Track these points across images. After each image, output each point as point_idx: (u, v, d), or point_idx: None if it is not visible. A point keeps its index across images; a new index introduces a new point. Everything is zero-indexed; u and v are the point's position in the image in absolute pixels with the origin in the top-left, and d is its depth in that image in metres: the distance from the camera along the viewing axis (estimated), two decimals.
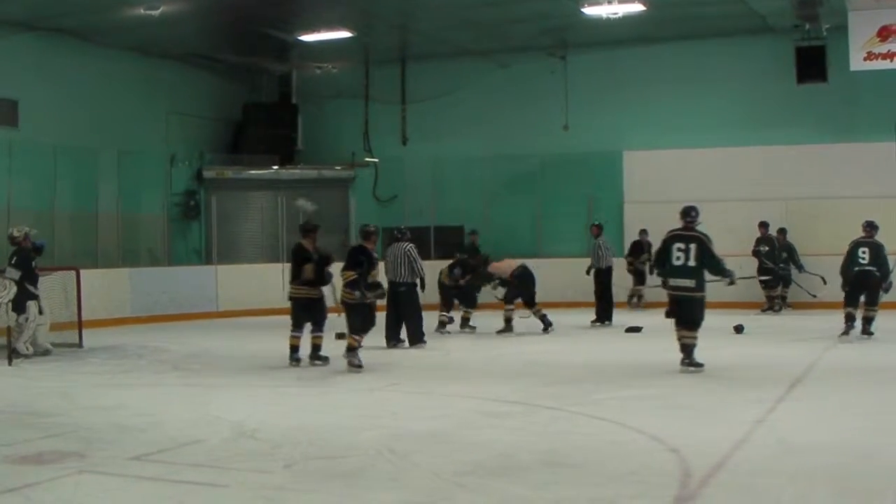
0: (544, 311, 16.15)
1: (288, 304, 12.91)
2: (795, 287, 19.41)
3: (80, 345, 14.65)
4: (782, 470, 6.48)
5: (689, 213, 11.42)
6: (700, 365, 11.12)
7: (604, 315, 17.48)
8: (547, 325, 16.00)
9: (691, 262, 11.11)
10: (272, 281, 21.00)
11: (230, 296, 20.53)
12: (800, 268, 19.19)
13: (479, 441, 7.54)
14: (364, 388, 10.45)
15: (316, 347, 12.44)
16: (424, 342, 14.16)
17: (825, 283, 18.66)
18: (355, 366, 11.72)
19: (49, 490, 6.26)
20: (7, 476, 6.56)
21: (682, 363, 11.18)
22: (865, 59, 17.74)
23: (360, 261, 12.21)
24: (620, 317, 17.54)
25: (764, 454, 6.94)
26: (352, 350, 11.86)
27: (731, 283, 11.59)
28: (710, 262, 11.20)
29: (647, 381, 10.58)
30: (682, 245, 11.18)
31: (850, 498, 5.94)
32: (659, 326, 16.79)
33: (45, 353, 13.64)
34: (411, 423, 8.37)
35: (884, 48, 17.64)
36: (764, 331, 15.91)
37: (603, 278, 17.60)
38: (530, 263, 21.42)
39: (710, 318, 17.26)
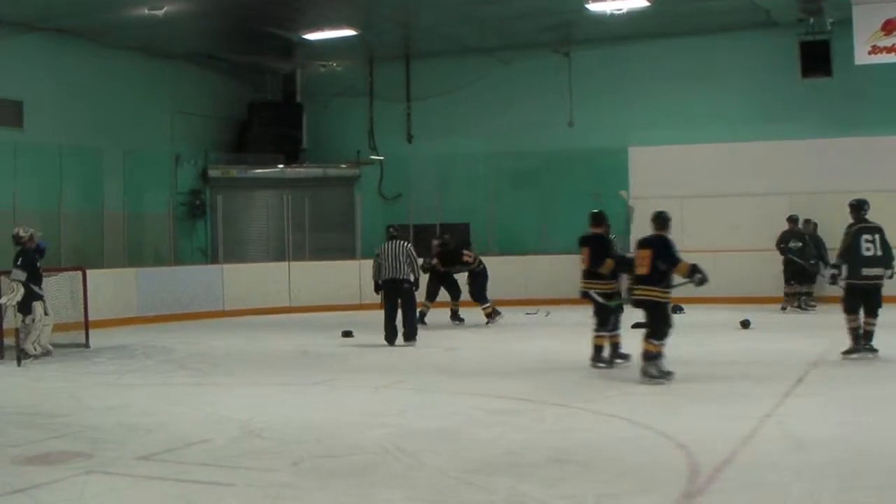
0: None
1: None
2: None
3: (86, 345, 14.65)
4: (790, 465, 6.47)
5: (864, 206, 11.83)
6: (875, 350, 11.59)
7: None
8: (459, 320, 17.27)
9: (878, 252, 11.52)
10: (278, 280, 21.07)
11: (236, 295, 20.52)
12: (826, 264, 18.75)
13: (486, 439, 7.55)
14: (370, 387, 10.44)
15: (615, 346, 11.50)
16: (416, 339, 14.38)
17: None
18: (652, 376, 10.15)
19: (56, 491, 6.27)
20: (15, 477, 6.57)
21: (864, 348, 11.59)
22: (870, 53, 17.70)
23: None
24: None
25: (771, 449, 6.94)
26: (650, 358, 10.23)
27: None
28: (890, 250, 11.65)
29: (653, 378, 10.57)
30: (869, 236, 11.58)
31: (857, 493, 5.93)
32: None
33: (46, 353, 13.63)
34: (418, 421, 8.37)
35: (888, 42, 17.59)
36: (771, 326, 15.88)
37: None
38: (536, 260, 21.62)
39: (718, 314, 17.38)
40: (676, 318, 18.21)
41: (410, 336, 14.28)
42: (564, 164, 22.20)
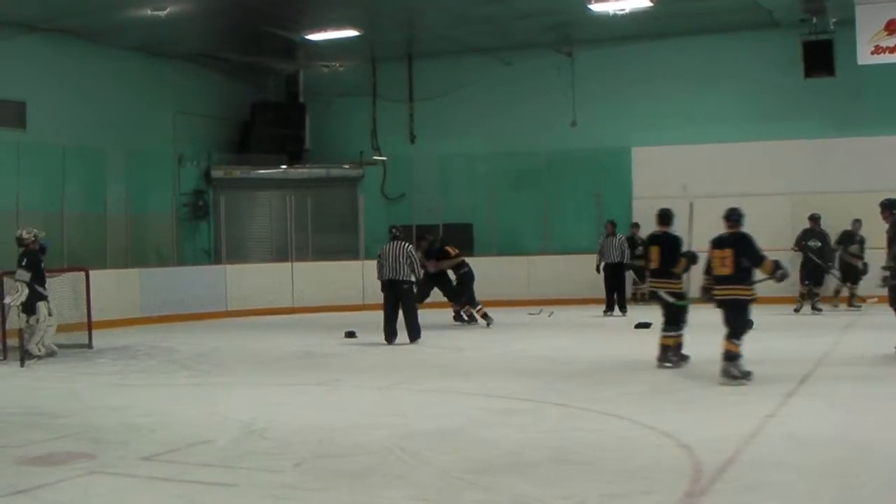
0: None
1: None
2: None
3: (89, 345, 14.65)
4: (793, 465, 6.47)
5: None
6: None
7: (614, 305, 18.38)
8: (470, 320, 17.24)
9: None
10: (281, 280, 21.08)
11: (239, 295, 20.55)
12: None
13: (488, 438, 7.54)
14: (373, 387, 10.45)
15: (677, 346, 11.33)
16: (419, 337, 14.53)
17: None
18: (734, 377, 9.84)
19: (60, 491, 6.28)
20: (18, 477, 6.58)
21: None
22: (873, 53, 17.69)
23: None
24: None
25: (774, 449, 6.93)
26: (732, 358, 9.92)
27: None
28: None
29: (656, 378, 10.57)
30: None
31: (860, 492, 5.93)
32: None
33: (51, 354, 13.66)
34: (420, 421, 8.37)
35: (891, 42, 17.57)
36: (774, 326, 15.85)
37: (624, 272, 18.58)
38: (538, 260, 21.64)
39: (721, 314, 17.34)
40: None
41: (414, 335, 14.39)
42: (567, 164, 22.20)
